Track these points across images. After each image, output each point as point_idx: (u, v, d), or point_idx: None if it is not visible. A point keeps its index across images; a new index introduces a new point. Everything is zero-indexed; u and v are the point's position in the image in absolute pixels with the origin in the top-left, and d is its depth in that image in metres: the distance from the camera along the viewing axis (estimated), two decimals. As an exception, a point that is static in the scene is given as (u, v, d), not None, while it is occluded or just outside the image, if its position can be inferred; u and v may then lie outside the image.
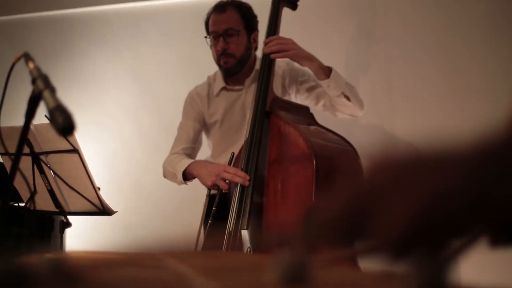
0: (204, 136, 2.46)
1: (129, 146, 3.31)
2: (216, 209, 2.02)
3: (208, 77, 2.45)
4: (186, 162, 2.22)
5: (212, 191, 2.12)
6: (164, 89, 3.27)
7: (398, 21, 2.87)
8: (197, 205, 2.94)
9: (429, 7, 2.83)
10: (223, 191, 2.05)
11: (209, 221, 2.03)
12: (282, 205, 1.93)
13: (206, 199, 2.13)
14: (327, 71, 2.12)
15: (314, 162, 1.86)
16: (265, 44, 2.14)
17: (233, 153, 2.09)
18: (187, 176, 2.22)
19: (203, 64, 3.01)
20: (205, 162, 2.24)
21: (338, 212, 0.46)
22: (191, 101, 2.42)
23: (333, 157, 1.97)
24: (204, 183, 2.12)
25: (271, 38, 2.14)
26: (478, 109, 2.69)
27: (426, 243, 0.40)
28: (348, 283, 0.60)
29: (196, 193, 2.98)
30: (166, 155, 2.98)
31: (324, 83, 2.14)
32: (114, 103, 3.36)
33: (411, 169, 0.42)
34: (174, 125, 3.13)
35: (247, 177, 1.97)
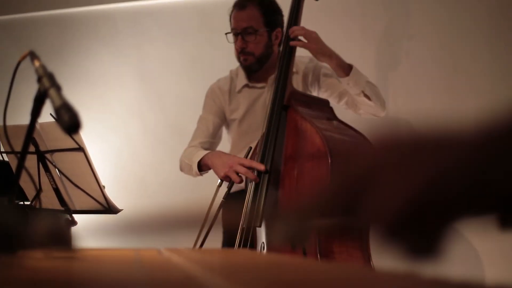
0: (224, 131, 2.42)
1: (134, 144, 3.31)
2: (225, 200, 2.00)
3: (231, 71, 2.40)
4: (202, 153, 2.18)
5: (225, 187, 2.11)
6: (168, 87, 3.27)
7: (397, 19, 2.86)
8: (202, 204, 2.93)
9: (430, 5, 2.81)
10: (236, 183, 2.00)
11: (222, 199, 2.00)
12: (296, 203, 1.90)
13: (216, 189, 2.07)
14: (347, 69, 2.09)
15: (329, 160, 1.82)
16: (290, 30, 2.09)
17: (250, 147, 2.06)
18: (202, 167, 2.18)
19: (208, 62, 3.01)
20: (221, 152, 2.19)
21: (337, 187, 0.47)
22: (212, 94, 2.38)
23: (349, 155, 1.93)
24: (217, 173, 2.07)
25: (297, 27, 2.09)
26: (479, 109, 2.68)
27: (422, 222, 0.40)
28: (358, 281, 0.59)
29: (202, 191, 2.97)
30: (171, 153, 2.97)
31: (343, 80, 2.10)
32: (119, 101, 3.36)
33: (412, 149, 0.43)
34: (178, 123, 3.14)
35: (257, 179, 1.94)
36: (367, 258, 1.85)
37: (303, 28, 2.09)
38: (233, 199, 2.03)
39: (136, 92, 3.34)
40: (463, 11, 2.75)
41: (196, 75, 3.13)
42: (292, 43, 2.07)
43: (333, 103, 2.21)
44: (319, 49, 2.07)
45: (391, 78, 2.81)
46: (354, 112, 2.24)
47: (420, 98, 2.81)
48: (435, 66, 2.79)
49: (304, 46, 2.08)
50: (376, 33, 2.88)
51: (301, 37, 2.10)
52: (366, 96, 2.12)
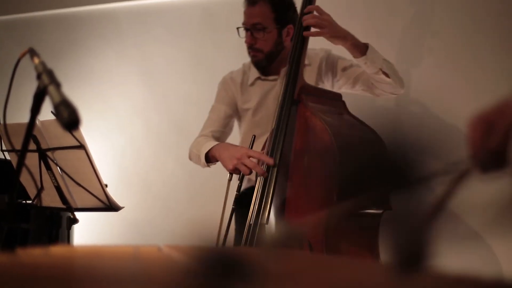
0: (235, 125, 2.40)
1: (137, 143, 3.31)
2: (239, 194, 1.98)
3: (244, 65, 2.40)
4: (210, 144, 2.15)
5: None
6: (172, 87, 3.26)
7: (421, 15, 2.84)
8: (205, 202, 2.93)
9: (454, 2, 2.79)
10: (246, 175, 1.98)
11: (232, 206, 1.97)
12: (304, 200, 1.85)
13: (228, 184, 2.03)
14: (363, 49, 2.05)
15: (338, 158, 1.79)
16: (305, 13, 2.03)
17: (254, 135, 2.05)
18: (210, 159, 2.15)
19: (211, 62, 3.01)
20: (228, 144, 2.16)
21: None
22: (225, 85, 2.37)
23: (358, 152, 1.89)
24: (225, 166, 2.04)
25: (311, 7, 2.04)
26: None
27: None
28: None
29: (204, 190, 2.98)
30: (174, 152, 2.95)
31: (360, 60, 2.06)
32: (123, 101, 3.36)
33: None
34: (182, 122, 3.13)
35: (265, 174, 1.90)
36: (376, 258, 1.82)
37: (314, 16, 2.03)
38: (243, 197, 2.00)
39: (140, 91, 3.34)
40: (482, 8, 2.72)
41: (200, 74, 3.12)
42: (305, 33, 2.03)
43: (348, 90, 2.18)
44: (333, 33, 2.03)
45: (413, 74, 2.75)
46: (371, 93, 2.20)
47: (442, 95, 2.75)
48: (457, 63, 2.73)
49: (317, 35, 2.03)
50: (399, 29, 2.83)
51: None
52: (384, 73, 2.08)
